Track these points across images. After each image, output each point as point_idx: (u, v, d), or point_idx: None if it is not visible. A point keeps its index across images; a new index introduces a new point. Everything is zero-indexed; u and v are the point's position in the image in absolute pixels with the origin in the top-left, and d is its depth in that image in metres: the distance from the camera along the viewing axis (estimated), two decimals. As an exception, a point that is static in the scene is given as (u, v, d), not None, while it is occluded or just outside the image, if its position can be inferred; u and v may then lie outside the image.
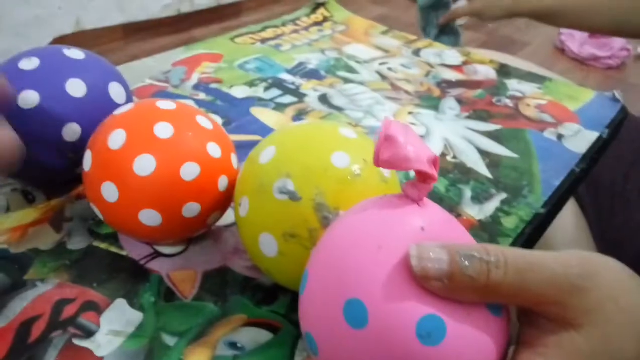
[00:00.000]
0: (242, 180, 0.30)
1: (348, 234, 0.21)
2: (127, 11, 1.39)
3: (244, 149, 0.37)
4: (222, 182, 0.31)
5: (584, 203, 0.65)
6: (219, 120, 0.49)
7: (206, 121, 0.32)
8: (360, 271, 0.19)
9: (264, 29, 0.70)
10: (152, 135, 0.28)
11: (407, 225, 0.20)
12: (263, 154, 0.29)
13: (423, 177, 0.21)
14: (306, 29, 0.72)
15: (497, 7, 0.82)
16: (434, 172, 0.20)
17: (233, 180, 0.31)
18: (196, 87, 0.55)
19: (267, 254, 0.28)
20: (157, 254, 0.34)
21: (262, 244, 0.28)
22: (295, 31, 0.71)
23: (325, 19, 0.76)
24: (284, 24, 0.73)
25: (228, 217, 0.37)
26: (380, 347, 0.18)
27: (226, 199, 0.31)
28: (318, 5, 0.78)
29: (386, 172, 0.29)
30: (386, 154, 0.20)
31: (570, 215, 0.63)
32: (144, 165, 0.28)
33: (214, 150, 0.30)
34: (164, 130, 0.29)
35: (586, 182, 0.66)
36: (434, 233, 0.20)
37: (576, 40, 1.71)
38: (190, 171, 0.29)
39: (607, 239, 0.62)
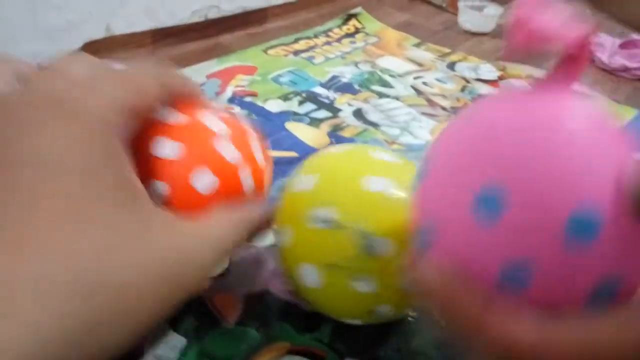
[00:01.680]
0: (283, 208, 0.29)
1: (484, 122, 0.18)
2: (156, 17, 1.40)
3: (280, 165, 0.37)
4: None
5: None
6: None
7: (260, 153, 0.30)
8: (503, 157, 0.17)
9: (296, 41, 0.70)
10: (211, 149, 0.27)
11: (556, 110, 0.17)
12: (302, 182, 0.28)
13: (571, 57, 0.17)
14: (338, 40, 0.72)
15: None
16: (584, 51, 0.16)
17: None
18: (231, 100, 0.54)
19: (309, 284, 0.27)
20: (198, 276, 0.34)
21: (303, 274, 0.27)
22: (328, 43, 0.71)
23: (357, 30, 0.75)
24: (316, 35, 0.72)
25: (268, 238, 0.37)
26: (517, 240, 0.16)
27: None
28: (350, 16, 0.78)
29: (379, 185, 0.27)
30: (520, 33, 0.16)
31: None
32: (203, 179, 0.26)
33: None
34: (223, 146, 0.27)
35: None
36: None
37: (606, 51, 1.68)
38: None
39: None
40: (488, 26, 0.87)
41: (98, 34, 1.29)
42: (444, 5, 1.00)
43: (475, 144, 0.18)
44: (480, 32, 0.86)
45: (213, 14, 1.55)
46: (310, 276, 0.27)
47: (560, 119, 0.17)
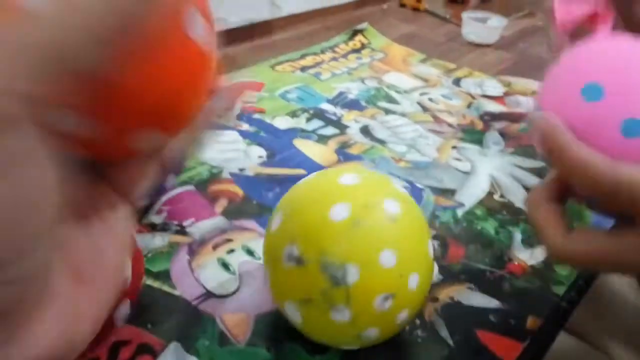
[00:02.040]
0: (264, 249, 0.30)
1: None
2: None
3: (289, 182, 0.37)
4: None
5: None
6: (263, 153, 0.49)
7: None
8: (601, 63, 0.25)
9: (303, 57, 0.71)
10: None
11: None
12: (273, 222, 0.29)
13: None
14: (344, 56, 0.72)
15: None
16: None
17: None
18: (240, 117, 0.55)
19: (293, 320, 0.28)
20: (209, 295, 0.34)
21: (286, 311, 0.28)
22: (334, 58, 0.71)
23: (363, 46, 0.76)
24: (322, 51, 0.73)
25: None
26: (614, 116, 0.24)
27: None
28: (356, 32, 0.79)
29: (394, 209, 0.27)
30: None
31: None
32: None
33: None
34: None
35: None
36: None
37: None
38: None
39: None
40: (491, 38, 0.87)
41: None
42: (447, 17, 1.01)
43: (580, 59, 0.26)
44: (483, 44, 0.87)
45: (220, 26, 1.57)
46: (292, 312, 0.27)
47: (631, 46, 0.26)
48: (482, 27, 0.88)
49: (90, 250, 0.16)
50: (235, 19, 1.54)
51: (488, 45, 0.88)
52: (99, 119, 0.14)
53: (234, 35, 1.75)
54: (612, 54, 0.26)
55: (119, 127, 0.15)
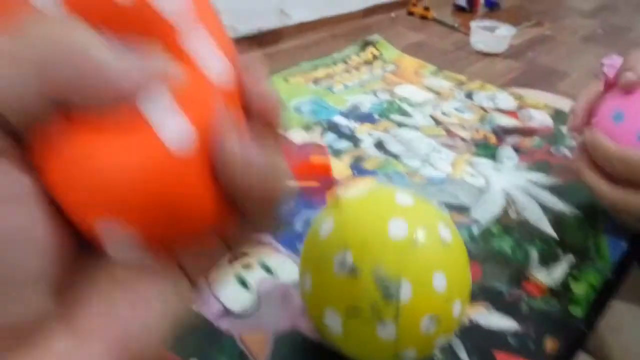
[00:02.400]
0: (304, 255, 0.30)
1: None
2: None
3: (304, 196, 0.37)
4: None
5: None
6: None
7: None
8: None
9: (315, 68, 0.71)
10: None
11: None
12: (322, 227, 0.29)
13: None
14: (356, 68, 0.73)
15: None
16: None
17: None
18: (254, 130, 0.55)
19: (332, 329, 0.28)
20: (228, 312, 0.34)
21: (326, 319, 0.27)
22: (346, 70, 0.72)
23: (375, 58, 0.76)
24: (334, 63, 0.73)
25: (293, 272, 0.37)
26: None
27: None
28: (367, 43, 0.79)
29: (447, 236, 0.28)
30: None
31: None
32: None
33: None
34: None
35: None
36: None
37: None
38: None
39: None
40: (500, 47, 0.87)
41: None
42: (455, 25, 1.01)
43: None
44: (492, 53, 0.86)
45: (229, 35, 1.58)
46: (332, 321, 0.27)
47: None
48: (490, 36, 0.88)
49: (104, 310, 0.14)
50: (245, 27, 1.55)
51: (496, 55, 0.88)
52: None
53: (242, 44, 1.76)
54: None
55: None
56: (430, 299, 0.25)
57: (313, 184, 0.47)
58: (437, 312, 0.26)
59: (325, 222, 0.29)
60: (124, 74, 0.12)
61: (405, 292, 0.25)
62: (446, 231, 0.28)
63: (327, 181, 0.48)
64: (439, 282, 0.25)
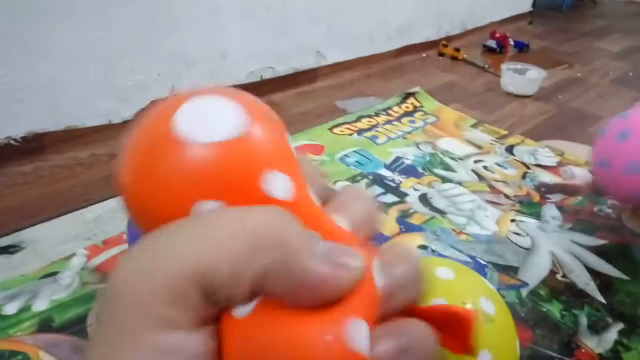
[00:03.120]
0: None
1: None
2: (217, 78, 1.49)
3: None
4: None
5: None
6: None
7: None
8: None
9: (358, 119, 0.74)
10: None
11: None
12: None
13: None
14: (398, 119, 0.75)
15: None
16: None
17: None
18: (303, 182, 0.57)
19: None
20: None
21: None
22: (388, 121, 0.74)
23: (415, 109, 0.78)
24: (376, 114, 0.76)
25: None
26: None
27: None
28: (408, 95, 0.81)
29: (490, 309, 0.28)
30: None
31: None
32: None
33: None
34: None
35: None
36: None
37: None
38: None
39: None
40: (531, 89, 0.89)
41: (164, 93, 1.40)
42: (486, 66, 1.03)
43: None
44: (522, 95, 0.88)
45: (268, 75, 1.64)
46: None
47: None
48: (521, 78, 0.90)
49: None
50: (283, 67, 1.61)
51: (527, 96, 0.89)
52: None
53: (280, 83, 1.81)
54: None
55: None
56: None
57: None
58: None
59: None
60: (329, 280, 0.13)
61: None
62: (490, 306, 0.28)
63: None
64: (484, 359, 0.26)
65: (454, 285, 0.29)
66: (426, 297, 0.29)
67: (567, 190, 0.60)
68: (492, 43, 2.90)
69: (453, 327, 0.23)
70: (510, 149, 0.69)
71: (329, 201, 0.18)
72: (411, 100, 0.81)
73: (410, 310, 0.18)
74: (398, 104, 0.79)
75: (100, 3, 1.41)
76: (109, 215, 0.48)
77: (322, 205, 0.17)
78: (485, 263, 0.47)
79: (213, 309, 0.14)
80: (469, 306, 0.28)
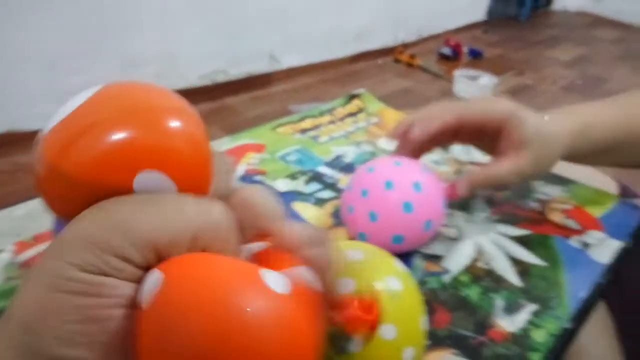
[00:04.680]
0: None
1: None
2: (167, 80, 1.49)
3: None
4: None
5: (610, 301, 0.66)
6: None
7: None
8: None
9: (302, 119, 0.75)
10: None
11: None
12: None
13: None
14: (342, 119, 0.77)
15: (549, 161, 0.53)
16: None
17: None
18: (243, 179, 0.59)
19: None
20: None
21: None
22: (332, 122, 0.76)
23: (360, 110, 0.81)
24: (321, 114, 0.78)
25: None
26: None
27: None
28: (353, 96, 0.84)
29: (396, 286, 0.30)
30: None
31: (597, 314, 0.64)
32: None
33: None
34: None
35: (614, 281, 0.68)
36: None
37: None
38: None
39: (635, 339, 0.63)
40: (482, 95, 0.93)
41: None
42: (441, 73, 1.06)
43: None
44: None
45: (221, 78, 1.64)
46: None
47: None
48: (473, 84, 0.93)
49: None
50: (236, 71, 1.62)
51: None
52: None
53: (233, 87, 1.81)
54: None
55: None
56: (379, 349, 0.28)
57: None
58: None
59: None
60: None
61: (356, 345, 0.28)
62: (396, 283, 0.30)
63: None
64: (388, 332, 0.28)
65: (362, 265, 0.31)
66: (336, 276, 0.30)
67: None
68: (447, 50, 2.98)
69: (358, 313, 0.25)
70: (447, 147, 0.71)
71: (230, 196, 0.22)
72: (356, 101, 0.83)
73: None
74: (342, 105, 0.81)
75: (43, 2, 1.38)
76: (39, 212, 0.48)
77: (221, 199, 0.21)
78: (412, 252, 0.49)
79: (143, 270, 0.17)
80: (375, 284, 0.30)
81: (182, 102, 0.20)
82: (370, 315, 0.26)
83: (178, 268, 0.16)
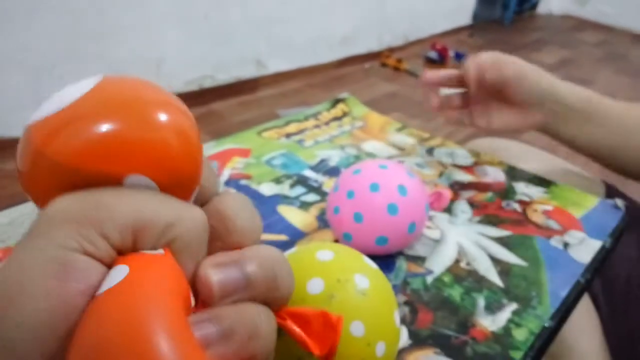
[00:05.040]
0: None
1: None
2: (154, 87, 1.49)
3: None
4: None
5: (597, 299, 0.68)
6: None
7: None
8: None
9: (287, 123, 0.76)
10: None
11: None
12: None
13: None
14: (326, 123, 0.78)
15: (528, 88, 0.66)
16: None
17: None
18: (227, 183, 0.59)
19: None
20: None
21: None
22: (317, 126, 0.77)
23: (345, 114, 0.81)
24: (306, 118, 0.78)
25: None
26: None
27: None
28: (338, 101, 0.84)
29: (364, 284, 0.30)
30: None
31: (583, 312, 0.65)
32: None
33: None
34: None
35: (601, 278, 0.69)
36: None
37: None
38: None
39: (621, 337, 0.65)
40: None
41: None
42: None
43: None
44: None
45: (208, 84, 1.64)
46: None
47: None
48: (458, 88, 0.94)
49: None
50: (223, 76, 1.62)
51: None
52: None
53: (220, 92, 1.81)
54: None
55: None
56: (349, 346, 0.28)
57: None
58: (360, 357, 0.29)
59: None
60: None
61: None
62: (364, 281, 0.30)
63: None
64: (357, 329, 0.29)
65: (331, 265, 0.31)
66: (304, 276, 0.31)
67: (479, 186, 0.64)
68: (433, 54, 3.01)
69: (321, 330, 0.25)
70: (430, 151, 0.72)
71: (211, 200, 0.22)
72: (341, 106, 0.84)
73: (281, 310, 0.22)
74: (327, 109, 0.82)
75: (28, 8, 1.38)
76: (23, 219, 0.48)
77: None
78: (395, 254, 0.50)
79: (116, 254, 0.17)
80: (343, 282, 0.30)
81: (176, 98, 0.20)
82: (333, 335, 0.26)
83: (144, 270, 0.17)
